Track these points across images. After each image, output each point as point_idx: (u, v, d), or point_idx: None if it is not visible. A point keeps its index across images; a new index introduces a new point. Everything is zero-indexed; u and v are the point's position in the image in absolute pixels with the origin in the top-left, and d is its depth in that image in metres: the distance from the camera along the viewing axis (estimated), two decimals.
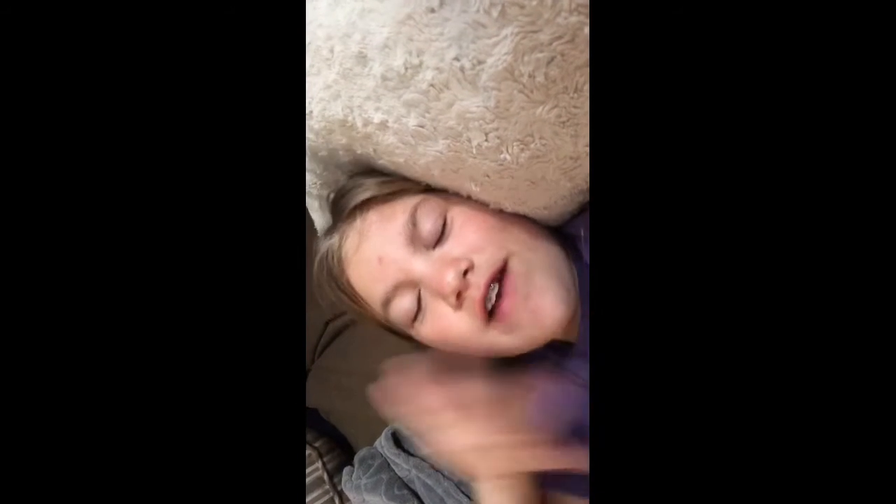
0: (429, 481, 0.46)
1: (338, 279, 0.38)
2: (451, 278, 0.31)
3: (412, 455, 0.49)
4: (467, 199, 0.35)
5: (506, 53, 0.24)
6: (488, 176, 0.31)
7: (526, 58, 0.24)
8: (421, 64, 0.26)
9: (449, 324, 0.34)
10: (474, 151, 0.29)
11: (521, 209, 0.35)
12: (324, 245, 0.38)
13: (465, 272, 0.32)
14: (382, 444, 0.49)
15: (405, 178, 0.36)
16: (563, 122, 0.27)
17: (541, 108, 0.26)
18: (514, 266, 0.32)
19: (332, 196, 0.41)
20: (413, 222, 0.34)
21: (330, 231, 0.39)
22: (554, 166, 0.30)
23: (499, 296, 0.32)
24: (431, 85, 0.27)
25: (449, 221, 0.34)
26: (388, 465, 0.48)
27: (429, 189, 0.35)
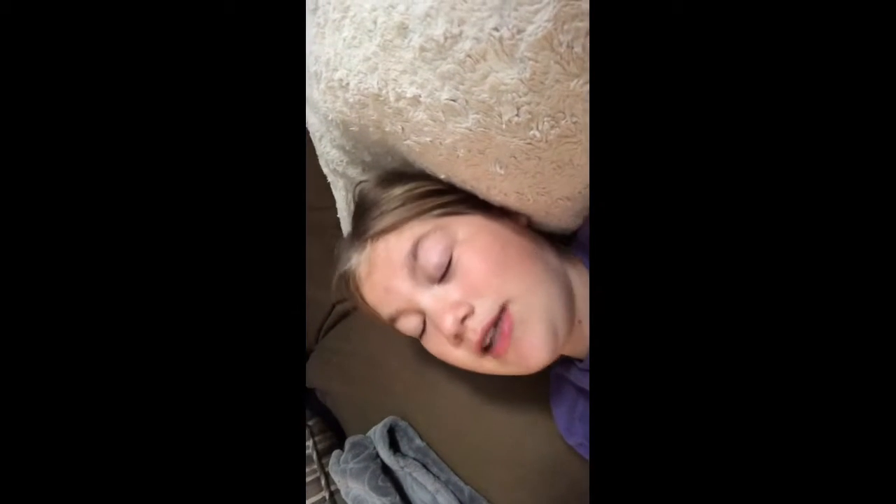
0: (421, 479, 0.43)
1: (354, 293, 0.41)
2: (450, 324, 0.33)
3: (405, 452, 0.47)
4: (475, 234, 0.36)
5: (547, 20, 0.24)
6: (515, 157, 0.31)
7: (566, 26, 0.24)
8: (461, 34, 0.27)
9: (448, 352, 0.37)
10: (504, 127, 0.30)
11: (544, 200, 0.35)
12: (343, 261, 0.41)
13: (464, 318, 0.34)
14: (377, 434, 0.47)
15: (422, 196, 0.37)
16: None
17: (575, 81, 0.26)
18: (514, 311, 0.34)
19: (356, 197, 0.43)
20: (414, 255, 0.35)
21: (348, 247, 0.41)
22: (582, 148, 0.30)
23: (495, 336, 0.34)
24: (468, 55, 0.27)
25: (455, 259, 0.35)
26: (378, 455, 0.46)
27: (440, 214, 0.37)
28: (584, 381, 0.40)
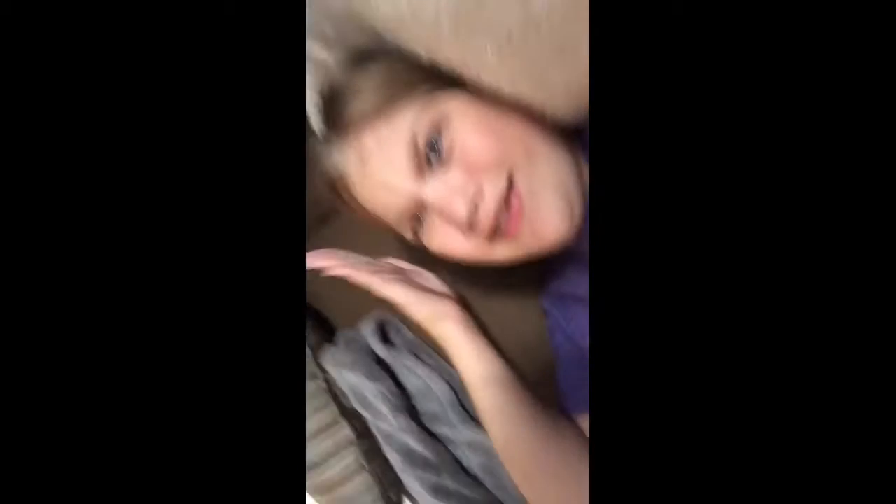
0: (413, 367, 0.46)
1: (341, 192, 0.36)
2: (462, 211, 0.31)
3: (396, 344, 0.49)
4: (468, 108, 0.31)
5: None
6: (510, 35, 0.26)
7: None
8: None
9: (454, 244, 0.34)
10: None
11: (539, 97, 0.30)
12: (325, 164, 0.35)
13: (475, 201, 0.31)
14: (368, 328, 0.49)
15: (403, 71, 0.32)
16: None
17: None
18: (519, 183, 0.31)
19: (323, 92, 0.36)
20: (415, 148, 0.31)
21: (326, 146, 0.35)
22: (583, 28, 0.24)
23: (504, 217, 0.32)
24: None
25: (449, 141, 0.31)
26: (370, 346, 0.48)
27: (428, 90, 0.32)
28: (575, 271, 0.39)
